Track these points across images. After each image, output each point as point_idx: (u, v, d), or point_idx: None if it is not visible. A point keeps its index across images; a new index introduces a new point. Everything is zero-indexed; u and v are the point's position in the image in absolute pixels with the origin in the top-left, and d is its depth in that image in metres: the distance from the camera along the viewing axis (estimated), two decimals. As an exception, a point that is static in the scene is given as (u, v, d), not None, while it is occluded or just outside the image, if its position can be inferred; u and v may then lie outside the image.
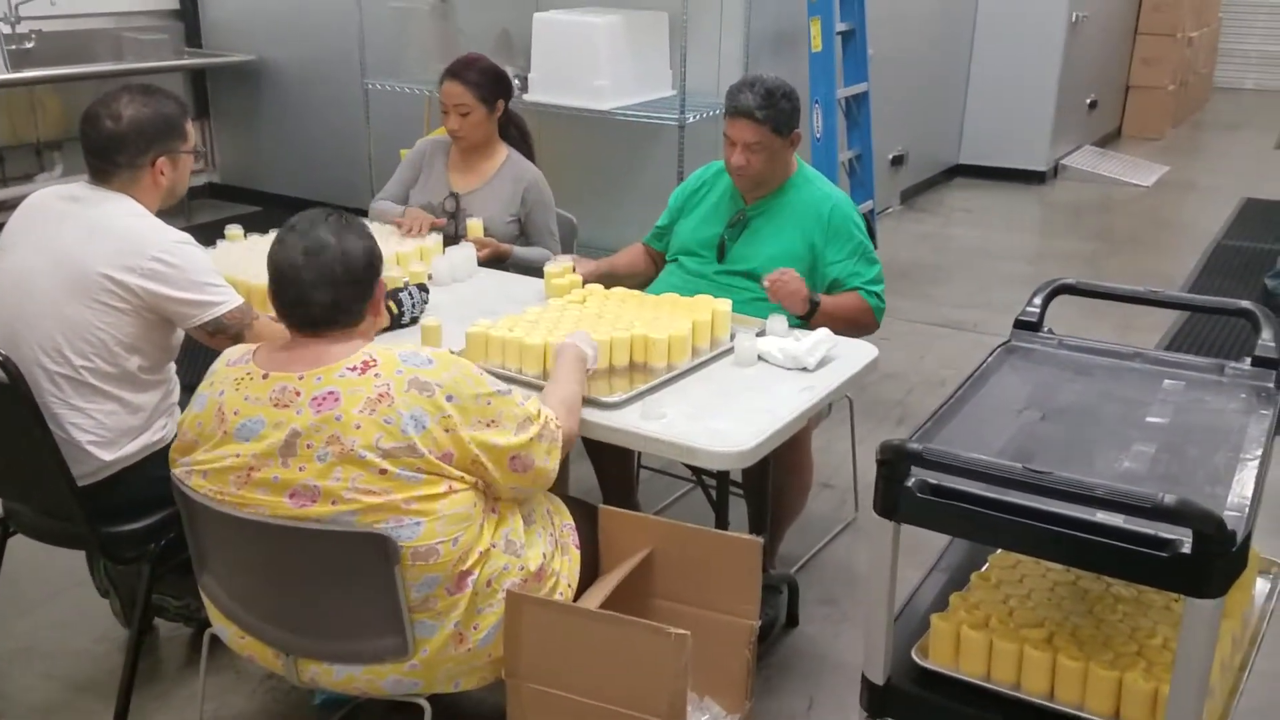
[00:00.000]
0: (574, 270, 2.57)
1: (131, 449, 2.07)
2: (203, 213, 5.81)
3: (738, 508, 2.36)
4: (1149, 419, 1.66)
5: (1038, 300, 2.01)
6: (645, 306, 2.34)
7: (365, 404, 1.55)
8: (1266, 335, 1.78)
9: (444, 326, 2.25)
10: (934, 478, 1.43)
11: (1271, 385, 1.73)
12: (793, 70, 4.60)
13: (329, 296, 1.62)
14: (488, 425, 1.62)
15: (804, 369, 2.14)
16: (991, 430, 1.65)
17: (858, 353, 2.25)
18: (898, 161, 6.20)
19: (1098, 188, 6.94)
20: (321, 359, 1.61)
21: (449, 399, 1.60)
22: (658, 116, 4.22)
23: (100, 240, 1.99)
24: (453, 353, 1.75)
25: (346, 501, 1.54)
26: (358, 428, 1.54)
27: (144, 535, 2.08)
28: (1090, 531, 1.33)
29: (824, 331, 2.22)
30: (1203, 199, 6.61)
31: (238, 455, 1.59)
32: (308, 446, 1.56)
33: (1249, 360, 1.79)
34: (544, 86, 4.37)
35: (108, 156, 2.06)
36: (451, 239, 2.88)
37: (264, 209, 6.07)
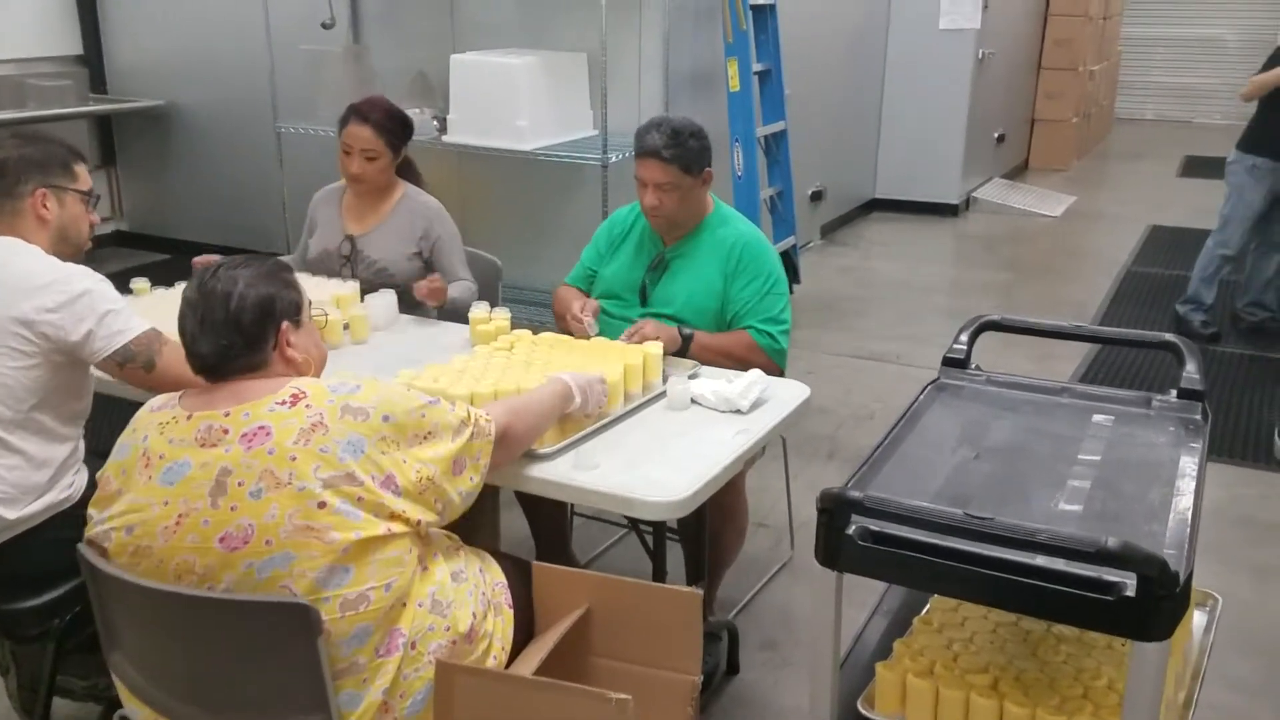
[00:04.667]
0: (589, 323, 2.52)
1: (35, 509, 1.95)
2: (109, 261, 5.61)
3: (674, 553, 2.32)
4: (1081, 456, 1.67)
5: (964, 337, 2.01)
6: (574, 352, 2.29)
7: (299, 435, 1.50)
8: (1190, 367, 1.80)
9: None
10: (875, 525, 1.40)
11: (1198, 417, 1.76)
12: (712, 109, 4.65)
13: (213, 344, 1.57)
14: (425, 438, 1.59)
15: (738, 411, 2.11)
16: (927, 471, 1.63)
17: (790, 393, 2.23)
18: (817, 197, 6.29)
19: (1008, 219, 7.13)
20: (246, 395, 1.55)
21: (385, 419, 1.55)
22: (580, 156, 4.21)
23: None
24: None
25: (282, 541, 1.47)
26: (293, 459, 1.48)
27: (47, 610, 1.95)
28: (1033, 577, 1.31)
29: (756, 372, 2.20)
30: (1110, 227, 6.83)
31: (165, 502, 1.51)
32: (239, 484, 1.48)
33: (1174, 392, 1.81)
34: (463, 128, 4.33)
35: None
36: (372, 287, 2.79)
37: (174, 256, 5.89)
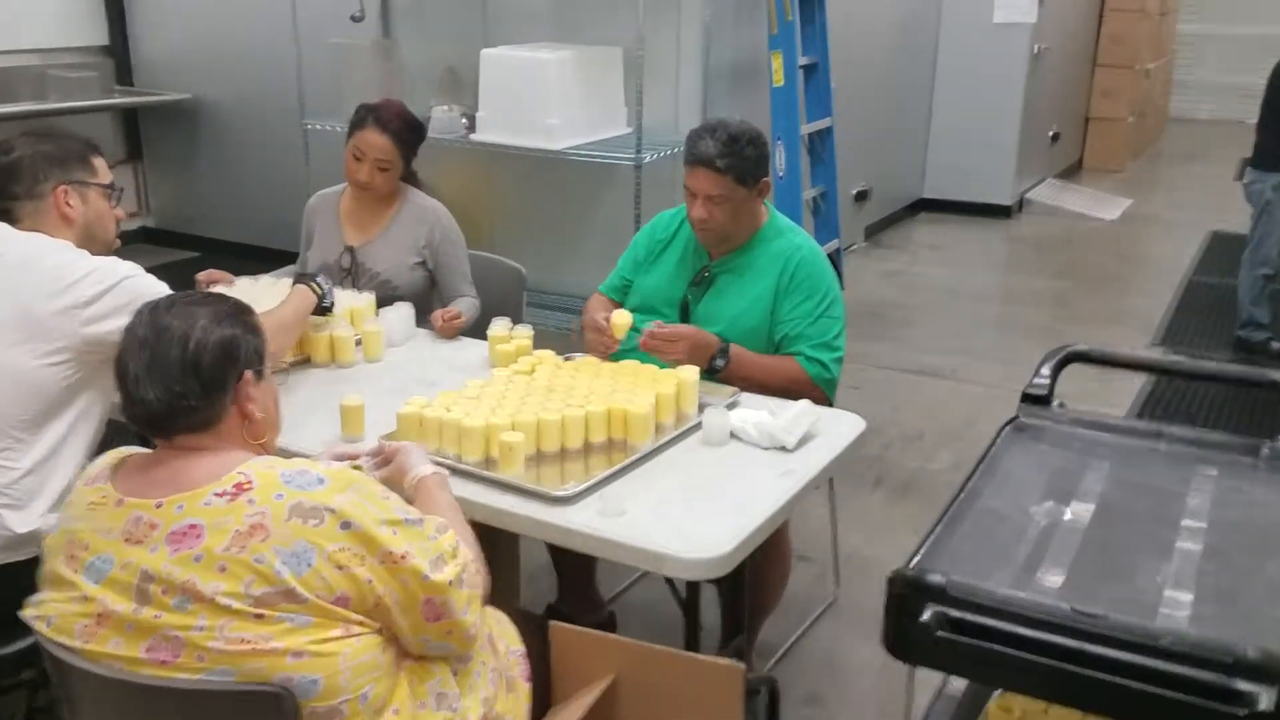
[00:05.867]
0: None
1: (42, 525, 1.80)
2: (136, 259, 5.41)
3: (708, 592, 2.10)
4: (1186, 518, 1.43)
5: (1046, 370, 1.77)
6: (602, 376, 2.09)
7: (233, 539, 1.26)
8: (1310, 413, 1.56)
9: (372, 404, 1.97)
10: (958, 612, 1.18)
11: (1320, 471, 1.51)
12: (753, 106, 4.42)
13: (163, 390, 1.34)
14: (395, 562, 1.31)
15: (783, 448, 1.89)
16: (1010, 534, 1.41)
17: (842, 426, 2.01)
18: (861, 197, 6.03)
19: (1062, 222, 6.83)
20: (184, 479, 1.32)
21: (344, 526, 1.29)
22: (613, 156, 4.00)
23: (27, 277, 1.83)
24: (356, 468, 1.47)
25: (215, 656, 1.25)
26: (222, 570, 1.25)
27: (17, 660, 1.78)
28: (1150, 681, 1.09)
29: (804, 403, 1.98)
30: (1168, 233, 6.51)
31: (85, 597, 1.30)
32: (163, 593, 1.27)
33: (1289, 440, 1.57)
34: (493, 125, 4.14)
35: (5, 191, 1.92)
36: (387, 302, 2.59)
37: (202, 254, 5.75)
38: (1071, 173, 8.11)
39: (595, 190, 4.40)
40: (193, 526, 1.28)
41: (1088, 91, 8.22)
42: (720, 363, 2.24)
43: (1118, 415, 1.72)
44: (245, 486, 1.30)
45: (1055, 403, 1.79)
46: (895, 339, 4.73)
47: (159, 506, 1.30)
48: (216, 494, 1.30)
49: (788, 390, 2.25)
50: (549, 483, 1.74)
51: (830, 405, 2.35)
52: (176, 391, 1.34)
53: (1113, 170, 8.23)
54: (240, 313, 1.44)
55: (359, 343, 2.35)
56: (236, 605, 1.25)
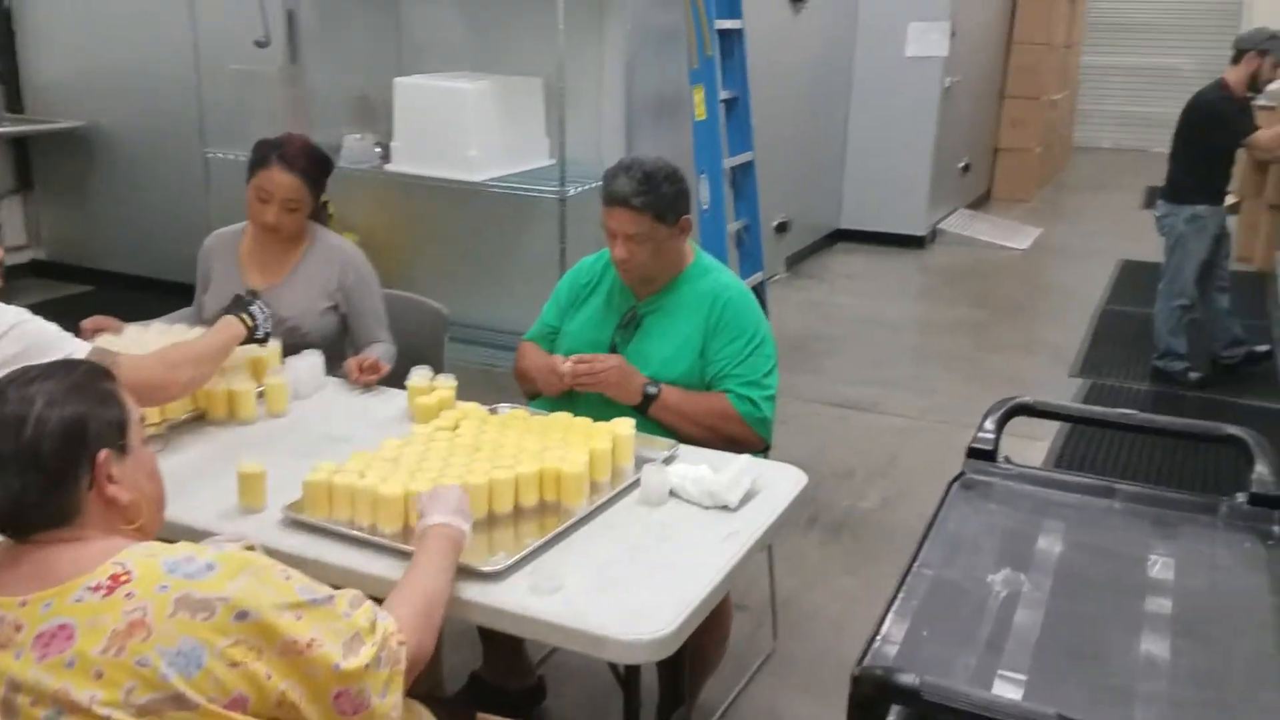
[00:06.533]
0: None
1: None
2: (26, 294, 5.15)
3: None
4: (1151, 591, 1.38)
5: (990, 425, 1.73)
6: (532, 432, 1.97)
7: (110, 640, 1.11)
8: (1261, 467, 1.53)
9: (275, 468, 1.81)
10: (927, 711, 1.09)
11: (1277, 528, 1.48)
12: (677, 139, 4.38)
13: (2, 488, 1.17)
14: (300, 651, 1.18)
15: (725, 507, 1.80)
16: (970, 609, 1.34)
17: (784, 481, 1.92)
18: (782, 228, 6.05)
19: (975, 251, 6.94)
20: (52, 573, 1.16)
21: (239, 617, 1.15)
22: (535, 188, 3.90)
23: None
24: (250, 548, 1.32)
25: None
26: (98, 676, 1.10)
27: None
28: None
29: (744, 459, 1.89)
30: (1080, 262, 6.66)
31: None
32: (32, 704, 1.11)
33: (1243, 496, 1.54)
34: (408, 156, 4.01)
35: None
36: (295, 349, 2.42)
37: (96, 287, 5.46)
38: (982, 202, 8.28)
39: (518, 223, 4.29)
40: (63, 627, 1.12)
41: (996, 123, 8.41)
42: (653, 390, 2.17)
43: (1071, 472, 1.67)
44: (122, 579, 1.15)
45: (1002, 457, 1.74)
46: (818, 371, 4.71)
47: (23, 605, 1.14)
48: (89, 588, 1.14)
49: (717, 429, 2.17)
50: (475, 555, 1.61)
51: (766, 446, 2.28)
52: (17, 489, 1.17)
53: (1021, 200, 8.43)
54: (92, 381, 1.26)
55: (261, 396, 2.18)
56: (117, 715, 1.10)
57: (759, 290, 4.81)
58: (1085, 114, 10.84)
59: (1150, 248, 6.77)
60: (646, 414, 2.14)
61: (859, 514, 3.41)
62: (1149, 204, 8.37)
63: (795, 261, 6.41)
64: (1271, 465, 1.53)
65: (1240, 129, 4.32)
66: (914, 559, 1.47)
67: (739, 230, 4.85)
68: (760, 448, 2.24)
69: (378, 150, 4.11)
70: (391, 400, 2.26)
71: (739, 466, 1.85)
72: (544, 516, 1.76)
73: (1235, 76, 4.33)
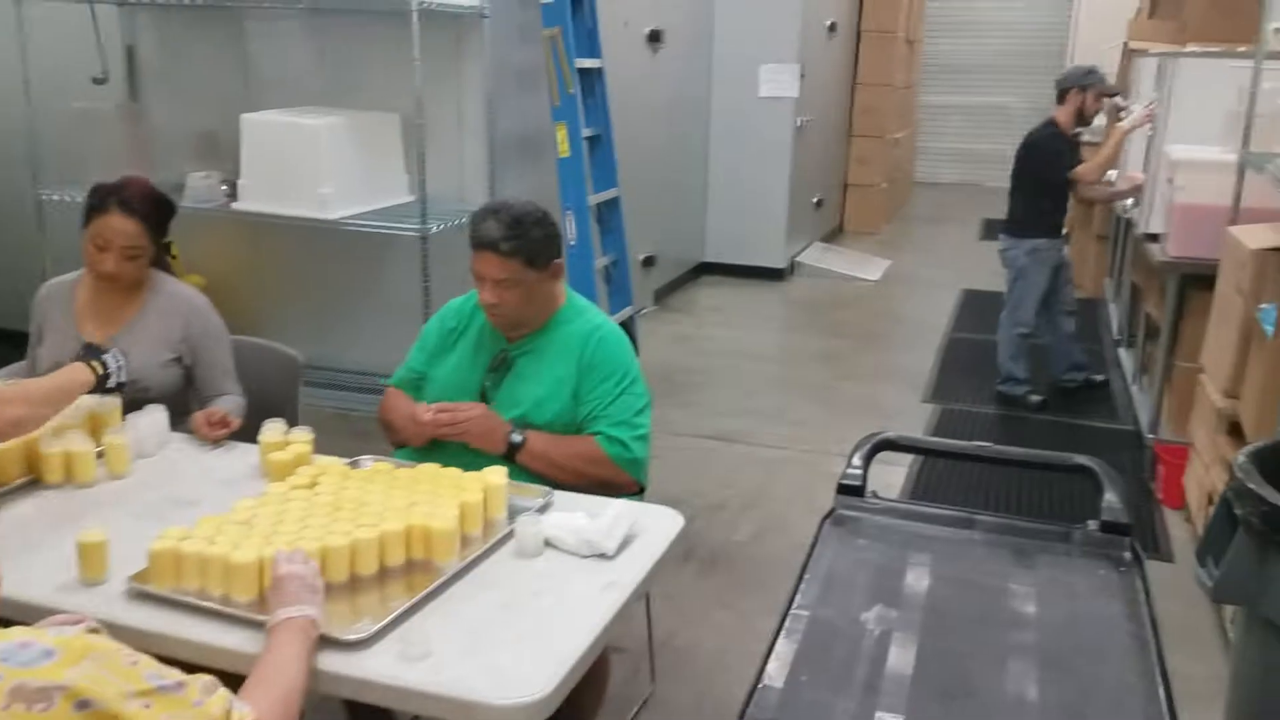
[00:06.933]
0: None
1: None
2: None
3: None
4: (1016, 618, 1.42)
5: (858, 460, 1.76)
6: (398, 486, 1.89)
7: None
8: (1110, 496, 1.61)
9: (118, 535, 1.68)
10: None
11: (1128, 554, 1.55)
12: (542, 176, 4.37)
13: None
14: None
15: (603, 555, 1.77)
16: (846, 649, 1.35)
17: (661, 523, 1.91)
18: (649, 262, 6.11)
19: (831, 283, 7.17)
20: None
21: (81, 706, 1.05)
22: (395, 226, 3.81)
23: None
24: (94, 630, 1.21)
25: None
26: None
27: None
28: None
29: (620, 504, 1.87)
30: (926, 292, 6.96)
31: None
32: None
33: (1095, 524, 1.61)
34: (257, 194, 3.86)
35: None
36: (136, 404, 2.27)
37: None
38: (835, 236, 8.59)
39: (378, 262, 4.18)
40: None
41: (845, 160, 8.77)
42: (518, 438, 2.13)
43: (935, 504, 1.71)
44: None
45: (870, 492, 1.78)
46: (688, 404, 4.75)
47: None
48: None
49: (589, 472, 2.15)
50: (339, 622, 1.52)
51: (640, 487, 2.26)
52: None
53: (871, 233, 8.78)
54: None
55: (101, 456, 2.03)
56: None
57: (629, 324, 4.83)
58: (925, 151, 11.42)
59: (988, 277, 7.17)
60: (514, 462, 2.10)
61: (732, 547, 3.44)
62: (985, 235, 8.88)
63: (663, 295, 6.48)
64: (1119, 493, 1.61)
65: (1068, 164, 4.60)
66: (790, 600, 1.48)
67: (607, 265, 4.86)
68: (634, 489, 2.22)
69: (224, 189, 3.95)
70: (242, 457, 2.13)
71: (615, 512, 1.82)
72: (412, 576, 1.69)
73: (1064, 115, 4.62)
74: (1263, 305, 2.86)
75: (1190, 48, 4.59)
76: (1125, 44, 6.48)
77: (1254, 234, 3.17)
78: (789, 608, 1.45)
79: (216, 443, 2.19)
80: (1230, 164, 3.61)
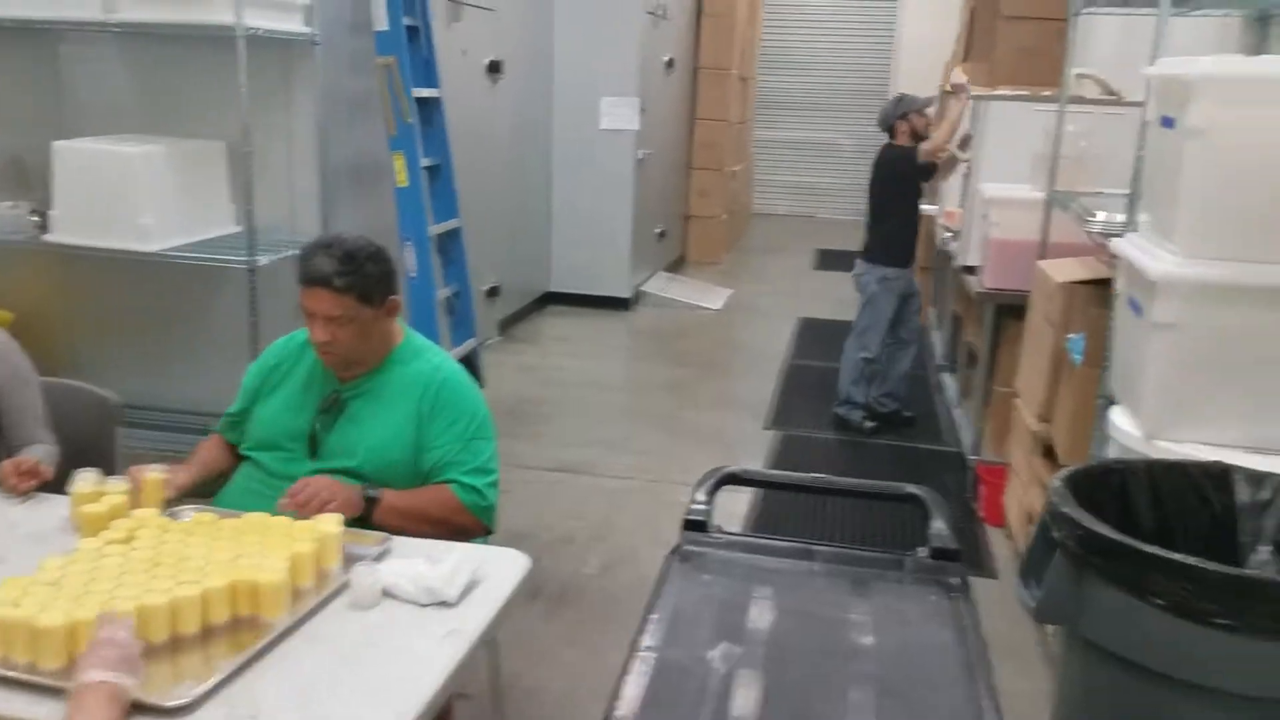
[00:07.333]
0: (164, 484, 1.96)
1: None
2: None
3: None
4: (855, 648, 1.46)
5: (702, 495, 1.78)
6: (223, 537, 1.79)
7: None
8: (938, 524, 1.68)
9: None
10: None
11: (957, 580, 1.62)
12: (379, 206, 4.27)
13: None
14: None
15: (445, 603, 1.72)
16: (694, 692, 1.35)
17: (505, 566, 1.87)
18: (493, 293, 6.05)
19: (675, 312, 7.29)
20: None
21: None
22: (220, 258, 3.63)
23: None
24: None
25: None
26: None
27: None
28: None
29: (463, 549, 1.82)
30: (766, 321, 7.17)
31: None
32: None
33: (925, 550, 1.68)
34: (70, 225, 3.60)
35: None
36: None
37: None
38: (678, 266, 8.75)
39: (205, 295, 3.97)
40: None
41: (686, 192, 8.96)
42: (373, 493, 2.04)
43: (778, 536, 1.74)
44: None
45: (714, 526, 1.79)
46: (535, 436, 4.72)
47: None
48: None
49: (448, 522, 2.09)
50: (158, 687, 1.41)
51: (488, 533, 2.22)
52: None
53: (712, 263, 8.99)
54: None
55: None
56: None
57: (473, 356, 4.76)
58: (761, 183, 11.81)
59: (824, 306, 7.47)
60: (369, 522, 2.01)
61: (581, 581, 3.41)
62: (820, 265, 9.25)
63: (508, 325, 6.43)
64: (946, 520, 1.68)
65: (921, 170, 4.68)
66: (637, 640, 1.47)
67: (449, 297, 4.78)
68: (484, 534, 2.18)
69: (34, 219, 3.67)
70: (53, 510, 1.97)
71: (457, 558, 1.77)
72: (238, 634, 1.59)
73: (901, 140, 4.78)
74: (1071, 335, 3.07)
75: (1000, 90, 4.90)
76: (941, 86, 6.89)
77: (1061, 268, 3.40)
78: (635, 648, 1.44)
79: (24, 495, 2.01)
80: (1038, 202, 3.87)
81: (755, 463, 4.56)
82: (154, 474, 1.96)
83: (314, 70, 3.78)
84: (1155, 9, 2.60)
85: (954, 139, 4.78)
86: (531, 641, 3.01)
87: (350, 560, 1.80)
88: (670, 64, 7.82)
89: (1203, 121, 2.09)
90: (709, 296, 7.68)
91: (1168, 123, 2.27)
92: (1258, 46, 3.44)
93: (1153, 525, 1.88)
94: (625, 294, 7.19)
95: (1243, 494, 1.84)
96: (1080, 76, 4.31)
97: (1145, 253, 2.29)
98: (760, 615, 1.54)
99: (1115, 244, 2.50)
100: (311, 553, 1.74)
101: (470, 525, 2.12)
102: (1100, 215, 3.00)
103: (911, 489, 1.74)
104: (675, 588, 1.62)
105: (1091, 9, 3.58)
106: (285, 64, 3.84)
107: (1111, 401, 2.54)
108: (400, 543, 1.91)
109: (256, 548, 1.73)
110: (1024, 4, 5.73)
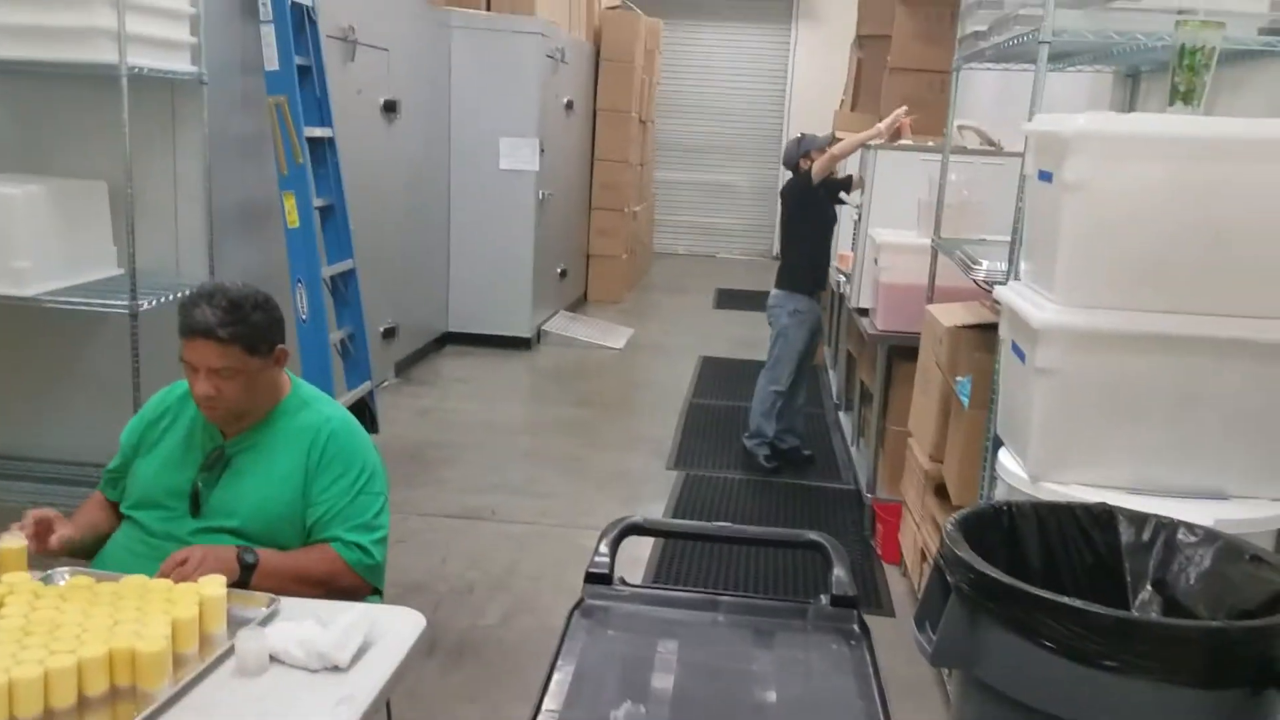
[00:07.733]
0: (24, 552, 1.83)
1: None
2: None
3: None
4: (758, 702, 1.45)
5: (605, 548, 1.76)
6: (100, 603, 1.69)
7: None
8: (839, 571, 1.69)
9: None
10: None
11: (856, 628, 1.63)
12: (269, 247, 4.17)
13: None
14: None
15: (336, 668, 1.65)
16: (598, 752, 1.32)
17: (401, 626, 1.81)
18: (389, 334, 5.94)
19: (576, 352, 7.28)
20: None
21: None
22: (100, 302, 3.47)
23: None
24: None
25: None
26: None
27: None
28: None
29: (356, 610, 1.75)
30: (667, 360, 7.21)
31: None
32: None
33: (826, 598, 1.69)
34: (-64, 268, 3.40)
35: None
36: None
37: None
38: (579, 305, 8.75)
39: (85, 341, 3.79)
40: None
41: (587, 231, 9.00)
42: (250, 558, 1.96)
43: (682, 587, 1.74)
44: None
45: (616, 579, 1.77)
46: (435, 481, 4.62)
47: None
48: None
49: (328, 583, 2.02)
50: (27, 770, 1.33)
51: (378, 592, 2.15)
52: None
53: (614, 302, 9.03)
54: None
55: None
56: None
57: (368, 399, 4.65)
58: (661, 223, 11.95)
59: (725, 345, 7.56)
60: (248, 587, 1.92)
61: (480, 633, 3.33)
62: (720, 304, 9.37)
63: (405, 366, 6.31)
64: (846, 567, 1.70)
65: (819, 189, 4.73)
66: (539, 701, 1.44)
67: (343, 339, 4.67)
68: (372, 594, 2.11)
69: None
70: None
71: (349, 619, 1.71)
72: (116, 706, 1.51)
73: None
74: (959, 377, 3.16)
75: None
76: (833, 134, 7.09)
77: (949, 312, 3.51)
78: (538, 709, 1.41)
79: None
80: (925, 247, 4.00)
81: (659, 503, 4.55)
82: (12, 543, 1.84)
83: (201, 109, 3.68)
84: (1032, 65, 2.72)
85: (846, 154, 4.76)
86: (428, 698, 2.92)
87: (236, 623, 1.72)
88: (570, 105, 7.87)
89: (1079, 176, 2.18)
90: (611, 336, 7.70)
91: (1045, 176, 2.37)
92: (1127, 100, 3.64)
93: (1041, 566, 1.93)
94: (526, 333, 7.15)
95: (1126, 534, 1.91)
96: (962, 128, 4.49)
97: (1027, 300, 2.37)
98: (665, 671, 1.53)
99: (998, 291, 2.59)
100: (194, 617, 1.66)
101: (356, 586, 2.05)
102: (984, 263, 3.11)
103: (813, 536, 1.75)
104: (579, 644, 1.60)
105: (972, 65, 3.74)
106: (171, 103, 3.73)
107: (999, 443, 2.61)
108: (290, 603, 1.83)
109: (136, 613, 1.65)
110: (909, 56, 5.98)
